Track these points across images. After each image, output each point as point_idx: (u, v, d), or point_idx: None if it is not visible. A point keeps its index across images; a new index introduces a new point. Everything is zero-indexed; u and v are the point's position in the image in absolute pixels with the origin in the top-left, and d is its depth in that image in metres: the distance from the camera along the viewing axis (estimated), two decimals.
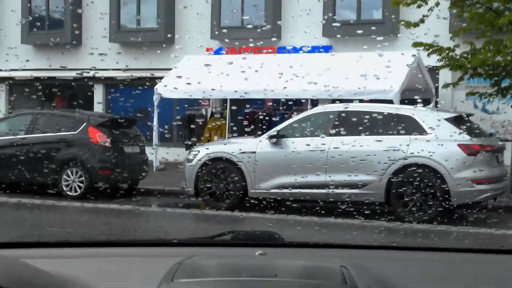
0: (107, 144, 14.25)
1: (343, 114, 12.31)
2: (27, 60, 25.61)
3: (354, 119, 12.18)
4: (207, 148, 13.10)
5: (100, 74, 23.23)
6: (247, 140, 13.02)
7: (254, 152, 12.38)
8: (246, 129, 20.59)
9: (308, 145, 12.08)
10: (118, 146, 14.47)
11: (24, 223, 10.32)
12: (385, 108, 12.47)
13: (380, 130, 11.94)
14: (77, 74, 21.48)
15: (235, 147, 12.65)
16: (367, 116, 12.11)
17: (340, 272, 2.08)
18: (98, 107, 24.81)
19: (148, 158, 15.44)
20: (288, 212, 11.33)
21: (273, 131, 12.61)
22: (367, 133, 11.84)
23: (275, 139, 12.38)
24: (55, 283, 1.95)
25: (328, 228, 10.20)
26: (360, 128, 11.93)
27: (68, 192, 14.07)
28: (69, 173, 14.15)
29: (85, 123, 14.39)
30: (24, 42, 25.79)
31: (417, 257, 2.57)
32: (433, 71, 19.09)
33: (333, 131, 12.21)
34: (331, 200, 11.75)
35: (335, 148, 11.88)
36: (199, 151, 12.93)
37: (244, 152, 12.44)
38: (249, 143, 12.64)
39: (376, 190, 11.64)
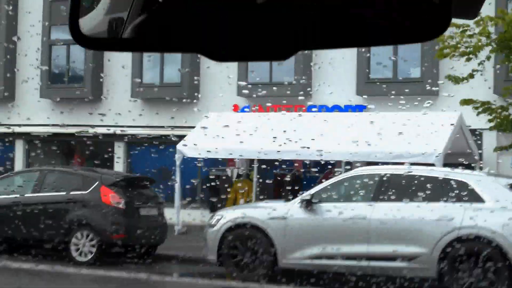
0: (120, 206, 12.88)
1: (386, 178, 10.88)
2: (48, 118, 24.72)
3: (399, 183, 10.74)
4: (232, 212, 11.66)
5: (122, 131, 22.19)
6: (276, 205, 11.58)
7: (285, 218, 10.94)
8: (275, 192, 19.17)
9: (346, 211, 10.62)
10: (133, 208, 13.10)
11: None
12: (435, 172, 11.00)
13: (430, 196, 10.43)
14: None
15: (263, 212, 11.23)
16: (414, 180, 10.65)
17: None
18: (119, 166, 23.61)
19: (166, 221, 14.00)
20: (323, 286, 9.81)
21: (306, 195, 11.18)
22: (415, 200, 10.36)
23: (309, 204, 10.95)
24: None
25: None
26: (406, 193, 10.47)
27: (78, 257, 12.67)
28: (79, 236, 12.77)
29: (97, 182, 13.07)
30: (44, 96, 24.82)
31: None
32: (474, 133, 17.71)
33: (376, 197, 10.76)
34: (372, 274, 10.21)
35: (378, 215, 10.43)
36: (222, 216, 11.51)
37: (273, 218, 11.01)
38: (279, 208, 11.21)
39: (427, 264, 10.10)
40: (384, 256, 10.19)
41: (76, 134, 23.01)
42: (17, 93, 25.73)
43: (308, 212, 10.93)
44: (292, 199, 11.57)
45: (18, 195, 13.39)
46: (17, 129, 24.39)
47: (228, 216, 11.44)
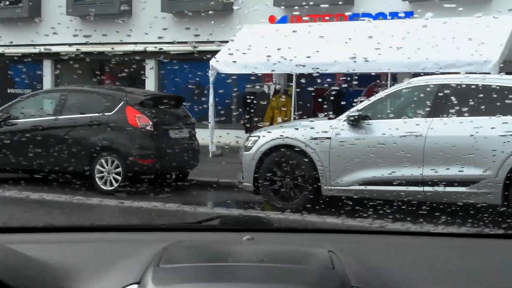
0: (148, 128, 11.77)
1: (444, 89, 9.53)
2: (75, 35, 23.56)
3: (459, 95, 9.40)
4: (269, 133, 10.44)
5: (152, 47, 20.97)
6: (319, 123, 10.31)
7: (329, 138, 9.71)
8: (315, 109, 17.90)
9: (398, 129, 9.36)
10: (162, 130, 11.99)
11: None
12: (501, 81, 9.57)
13: (495, 109, 9.09)
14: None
15: (304, 131, 10.00)
16: (476, 91, 9.30)
17: (328, 257, 2.05)
18: (150, 84, 22.51)
19: (199, 144, 12.87)
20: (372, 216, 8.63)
21: (353, 112, 9.91)
22: (477, 114, 9.04)
23: (356, 122, 9.69)
24: (40, 268, 1.94)
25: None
26: (468, 107, 9.14)
27: (102, 186, 11.68)
28: (103, 162, 11.75)
29: (122, 102, 11.93)
30: (70, 14, 23.60)
31: (406, 242, 2.53)
32: None
33: (432, 111, 9.46)
34: (428, 200, 8.99)
35: (434, 133, 9.15)
36: (259, 137, 10.32)
37: (316, 138, 9.79)
38: (322, 127, 9.95)
39: (490, 188, 8.86)
40: (442, 179, 8.97)
41: (105, 53, 21.88)
42: (43, 10, 24.56)
43: (355, 131, 9.68)
44: (336, 116, 10.30)
45: (37, 119, 12.34)
46: (44, 49, 23.38)
47: (265, 137, 10.24)
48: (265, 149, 10.08)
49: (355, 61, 14.39)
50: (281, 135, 10.13)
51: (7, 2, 25.20)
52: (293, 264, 2.03)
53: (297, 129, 10.19)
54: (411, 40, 14.73)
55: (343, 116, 9.95)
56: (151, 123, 11.77)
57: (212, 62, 17.11)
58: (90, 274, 2.01)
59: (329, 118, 10.43)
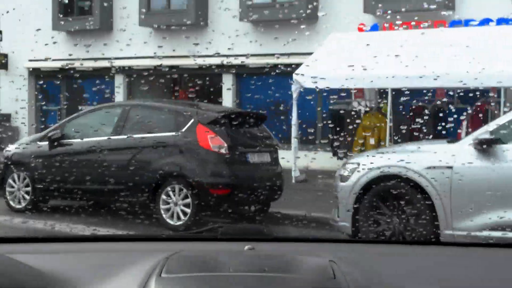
0: (223, 150, 9.87)
1: None
2: (145, 42, 22.07)
3: None
4: (371, 159, 8.35)
5: (229, 60, 19.30)
6: (435, 148, 8.17)
7: (451, 168, 7.57)
8: (411, 130, 15.72)
9: None
10: (239, 153, 10.07)
11: None
12: None
13: None
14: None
15: (415, 158, 7.88)
16: None
17: (328, 266, 2.05)
18: (227, 101, 20.79)
19: (282, 169, 10.89)
20: None
21: (482, 133, 7.74)
22: None
23: (487, 146, 7.55)
24: (41, 278, 1.94)
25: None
26: None
27: (169, 220, 9.81)
28: (170, 192, 9.88)
29: (192, 120, 10.06)
30: (143, 25, 22.15)
31: (407, 252, 2.54)
32: None
33: None
34: None
35: None
36: (358, 165, 8.24)
37: (433, 168, 7.67)
38: (440, 153, 7.82)
39: None
40: None
41: (180, 66, 20.32)
42: (115, 22, 23.22)
43: (486, 158, 7.52)
44: (455, 139, 8.14)
45: (93, 139, 10.61)
46: (116, 63, 22.06)
47: (366, 165, 8.17)
48: (367, 181, 8.01)
49: (468, 74, 12.24)
50: (387, 163, 8.04)
51: (78, 14, 24.06)
52: (294, 273, 2.03)
53: (407, 155, 8.07)
54: None
55: (468, 139, 7.81)
56: (226, 145, 9.87)
57: (295, 76, 15.30)
58: (92, 284, 2.00)
59: (449, 142, 8.31)
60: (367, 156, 8.65)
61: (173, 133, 10.06)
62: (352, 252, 2.44)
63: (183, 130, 10.03)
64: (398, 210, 7.83)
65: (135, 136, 10.25)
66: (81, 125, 10.95)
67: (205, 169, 9.85)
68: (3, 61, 25.61)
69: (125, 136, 10.30)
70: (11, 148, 11.46)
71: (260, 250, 2.32)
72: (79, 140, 10.67)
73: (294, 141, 15.12)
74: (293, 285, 1.90)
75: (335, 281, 1.92)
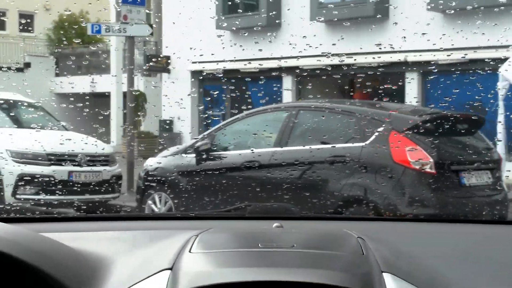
0: (428, 168, 7.01)
1: None
2: (316, 38, 19.70)
3: None
4: None
5: (414, 56, 16.57)
6: None
7: None
8: None
9: None
10: (450, 172, 7.18)
11: None
12: None
13: None
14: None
15: None
16: None
17: (357, 243, 2.04)
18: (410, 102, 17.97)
19: (507, 195, 7.86)
20: None
21: None
22: None
23: None
24: (74, 256, 1.94)
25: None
26: None
27: None
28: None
29: (383, 126, 7.29)
30: (314, 20, 19.77)
31: (436, 229, 2.55)
32: None
33: None
34: None
35: None
36: None
37: None
38: None
39: None
40: None
41: (355, 65, 17.72)
42: (283, 18, 21.01)
43: None
44: None
45: (251, 150, 8.07)
46: (285, 62, 19.82)
47: None
48: None
49: None
50: None
51: (243, 11, 22.14)
52: (323, 249, 2.02)
53: None
54: None
55: None
56: (431, 160, 7.02)
57: (502, 71, 12.38)
58: (123, 261, 2.01)
59: None
60: None
61: (357, 144, 7.34)
62: (381, 229, 2.44)
63: (371, 140, 7.30)
64: None
65: (305, 147, 7.63)
66: (237, 133, 8.49)
67: (401, 194, 7.05)
68: (166, 65, 24.15)
69: (293, 148, 7.71)
70: (152, 162, 9.25)
71: (288, 228, 2.33)
72: (234, 152, 8.24)
73: (500, 149, 12.07)
74: (321, 260, 1.87)
75: (364, 257, 1.89)
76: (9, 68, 29.83)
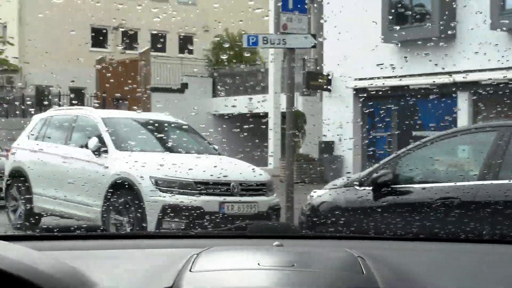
0: None
1: None
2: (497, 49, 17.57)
3: None
4: None
5: None
6: None
7: None
8: None
9: None
10: None
11: None
12: None
13: None
14: None
15: None
16: None
17: (357, 262, 2.03)
18: None
19: None
20: None
21: None
22: None
23: None
24: (76, 275, 1.90)
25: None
26: None
27: None
28: None
29: None
30: (494, 28, 17.49)
31: (436, 248, 2.49)
32: None
33: None
34: None
35: None
36: None
37: None
38: None
39: None
40: None
41: None
42: (459, 29, 18.89)
43: None
44: None
45: (446, 184, 6.17)
46: (458, 77, 17.76)
47: None
48: None
49: None
50: None
51: (412, 22, 20.23)
52: (323, 269, 2.03)
53: None
54: None
55: None
56: None
57: None
58: (125, 280, 2.03)
59: None
60: None
61: None
62: (381, 248, 2.42)
63: None
64: None
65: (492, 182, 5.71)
66: (426, 161, 6.65)
67: None
68: (326, 83, 22.60)
69: (506, 182, 5.79)
70: (321, 193, 7.57)
71: (288, 247, 2.33)
72: (423, 185, 6.41)
73: None
74: (321, 280, 1.88)
75: (363, 277, 1.89)
76: (169, 90, 29.51)
